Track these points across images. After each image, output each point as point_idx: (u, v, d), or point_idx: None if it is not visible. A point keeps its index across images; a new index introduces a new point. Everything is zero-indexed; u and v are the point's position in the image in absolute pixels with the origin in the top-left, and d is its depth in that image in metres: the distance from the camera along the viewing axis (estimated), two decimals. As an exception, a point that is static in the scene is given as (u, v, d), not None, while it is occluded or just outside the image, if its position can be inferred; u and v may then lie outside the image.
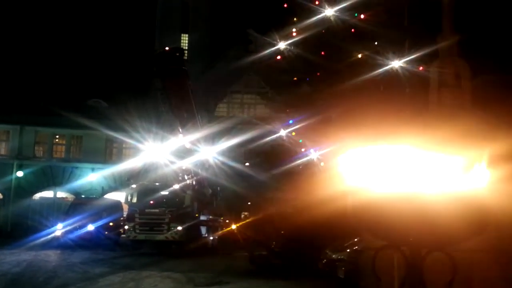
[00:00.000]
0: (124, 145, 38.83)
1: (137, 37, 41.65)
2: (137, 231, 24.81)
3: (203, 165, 26.47)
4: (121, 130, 32.17)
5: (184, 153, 25.37)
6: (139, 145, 28.75)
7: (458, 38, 9.83)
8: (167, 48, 25.55)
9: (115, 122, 33.22)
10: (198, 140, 25.16)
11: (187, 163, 25.49)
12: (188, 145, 25.21)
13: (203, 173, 26.95)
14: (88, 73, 40.37)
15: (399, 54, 15.05)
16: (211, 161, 26.11)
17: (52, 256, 21.48)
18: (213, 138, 28.10)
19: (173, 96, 25.10)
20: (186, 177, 26.33)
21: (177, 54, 25.41)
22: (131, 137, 30.40)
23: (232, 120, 38.31)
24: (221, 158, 26.26)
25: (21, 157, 37.33)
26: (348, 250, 12.78)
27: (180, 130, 25.46)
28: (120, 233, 28.15)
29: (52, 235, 27.48)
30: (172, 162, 25.28)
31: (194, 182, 26.46)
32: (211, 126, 30.00)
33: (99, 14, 41.83)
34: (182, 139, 25.19)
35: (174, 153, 25.21)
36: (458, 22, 9.77)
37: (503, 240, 7.25)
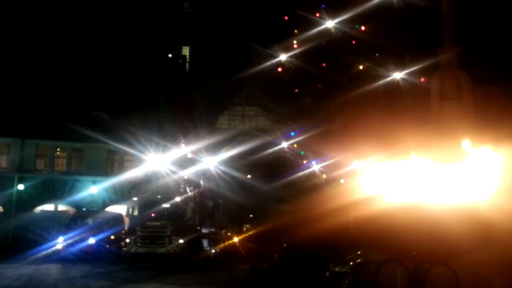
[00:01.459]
0: (125, 158, 38.81)
1: (138, 49, 41.74)
2: (138, 244, 24.66)
3: (205, 175, 26.42)
4: (123, 141, 32.17)
5: (186, 163, 25.35)
6: (141, 156, 28.71)
7: (458, 50, 9.85)
8: (170, 55, 25.70)
9: (117, 134, 33.23)
10: (200, 150, 25.14)
11: (189, 173, 25.44)
12: (190, 155, 25.19)
13: (205, 184, 26.89)
14: (89, 85, 40.45)
15: (400, 66, 15.08)
16: (213, 171, 26.06)
17: (53, 270, 21.37)
18: (214, 149, 28.09)
19: (176, 104, 25.15)
20: (187, 188, 26.26)
21: (180, 61, 25.55)
22: (133, 148, 30.38)
23: (234, 131, 38.33)
24: (223, 168, 26.22)
25: (22, 170, 37.29)
26: (351, 263, 12.70)
27: (182, 140, 25.47)
28: (121, 246, 28.02)
29: (53, 248, 27.36)
30: (173, 172, 25.23)
31: (195, 194, 26.37)
32: (213, 137, 30.04)
33: (100, 28, 41.96)
34: (184, 149, 25.17)
35: (176, 163, 25.18)
36: (459, 35, 9.80)
37: (507, 253, 7.19)
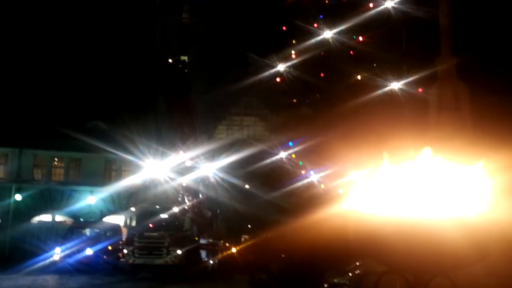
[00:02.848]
0: (123, 167, 38.70)
1: (136, 59, 41.86)
2: (136, 255, 24.54)
3: (203, 182, 26.34)
4: (121, 151, 32.11)
5: (184, 170, 25.29)
6: (139, 163, 28.63)
7: (456, 61, 9.88)
8: (170, 60, 25.76)
9: (115, 143, 33.15)
10: (198, 157, 25.11)
11: (187, 180, 25.36)
12: (188, 163, 25.14)
13: (203, 191, 26.79)
14: (87, 95, 40.50)
15: (398, 76, 15.12)
16: (212, 178, 26.00)
17: (50, 281, 21.25)
18: (213, 157, 28.05)
19: (175, 109, 25.16)
20: (186, 197, 26.17)
21: (180, 65, 25.63)
22: (131, 155, 30.30)
23: (231, 141, 38.31)
24: (221, 175, 26.16)
25: (19, 180, 37.15)
26: (350, 274, 12.64)
27: (181, 146, 25.44)
28: (119, 257, 27.84)
29: (50, 259, 27.19)
30: (172, 180, 25.16)
31: (194, 204, 26.27)
32: (211, 144, 30.03)
33: (97, 38, 42.11)
34: (183, 155, 25.13)
35: (174, 170, 25.12)
36: (457, 45, 9.82)
37: (507, 264, 7.16)
